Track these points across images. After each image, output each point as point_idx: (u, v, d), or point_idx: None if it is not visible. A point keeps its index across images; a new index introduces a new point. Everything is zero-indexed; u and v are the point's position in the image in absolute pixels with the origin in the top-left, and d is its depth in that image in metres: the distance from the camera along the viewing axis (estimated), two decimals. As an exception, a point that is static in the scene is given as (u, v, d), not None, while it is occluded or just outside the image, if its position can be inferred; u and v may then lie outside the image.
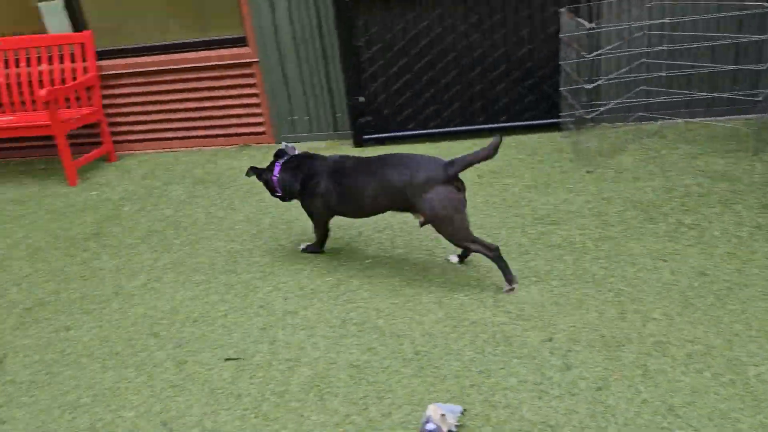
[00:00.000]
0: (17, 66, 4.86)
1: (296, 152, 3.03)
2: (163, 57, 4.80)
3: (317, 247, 3.11)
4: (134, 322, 2.74)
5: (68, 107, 4.73)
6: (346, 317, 2.59)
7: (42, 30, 4.96)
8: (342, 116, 4.67)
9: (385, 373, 2.24)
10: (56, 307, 2.93)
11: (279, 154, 3.01)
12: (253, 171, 3.03)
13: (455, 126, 4.47)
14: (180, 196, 4.06)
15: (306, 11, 4.43)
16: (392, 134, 4.53)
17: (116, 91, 4.91)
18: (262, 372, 2.33)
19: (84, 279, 3.16)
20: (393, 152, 2.75)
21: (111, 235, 3.61)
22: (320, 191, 2.81)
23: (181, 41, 4.85)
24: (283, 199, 3.01)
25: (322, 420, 2.06)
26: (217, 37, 4.80)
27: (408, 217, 2.80)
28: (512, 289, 2.60)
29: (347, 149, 4.50)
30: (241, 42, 4.71)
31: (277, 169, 2.94)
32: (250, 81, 4.72)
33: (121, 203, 4.06)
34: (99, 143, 4.94)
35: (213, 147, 4.96)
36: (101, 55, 4.85)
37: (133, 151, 5.08)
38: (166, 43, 4.87)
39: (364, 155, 2.90)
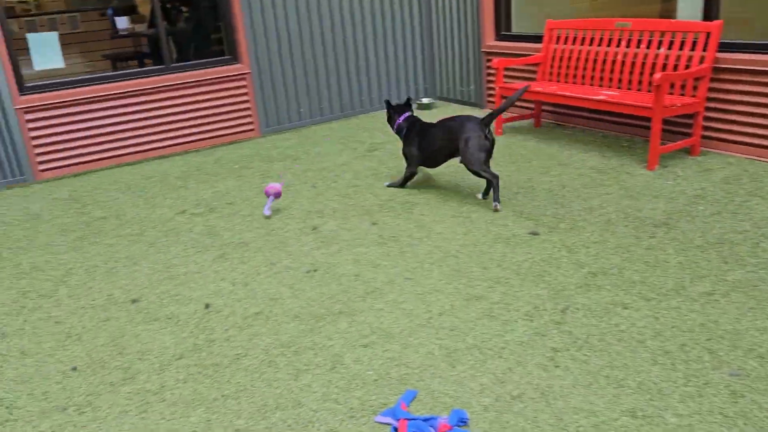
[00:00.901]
0: (638, 46, 5.11)
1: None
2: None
3: (401, 184, 4.59)
4: (691, 328, 2.64)
5: (671, 93, 4.77)
6: None
7: (667, 14, 5.05)
8: None
9: None
10: (616, 282, 3.06)
11: (407, 105, 4.60)
12: (388, 104, 4.59)
13: None
14: (765, 213, 3.67)
15: None
16: None
17: (727, 86, 4.66)
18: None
19: (647, 264, 3.21)
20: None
21: (679, 229, 3.55)
22: (415, 139, 4.39)
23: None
24: (398, 132, 4.56)
25: None
26: None
27: None
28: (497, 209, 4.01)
29: None
30: None
31: (402, 117, 4.53)
32: None
33: (695, 200, 3.93)
34: (687, 134, 4.87)
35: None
36: (722, 47, 4.66)
37: (719, 151, 4.82)
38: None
39: None
